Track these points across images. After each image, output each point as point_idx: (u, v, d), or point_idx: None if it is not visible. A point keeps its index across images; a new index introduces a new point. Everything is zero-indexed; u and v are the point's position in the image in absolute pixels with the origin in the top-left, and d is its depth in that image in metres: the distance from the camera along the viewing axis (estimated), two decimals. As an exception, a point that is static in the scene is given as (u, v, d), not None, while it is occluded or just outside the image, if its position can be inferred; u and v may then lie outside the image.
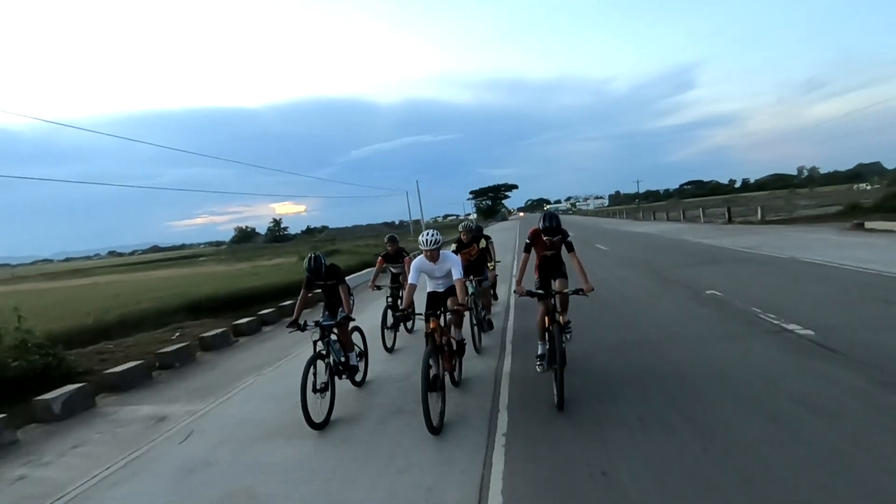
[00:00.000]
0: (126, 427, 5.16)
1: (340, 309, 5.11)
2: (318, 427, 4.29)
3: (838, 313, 6.03)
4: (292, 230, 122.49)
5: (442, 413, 4.09)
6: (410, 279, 4.59)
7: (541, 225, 4.54)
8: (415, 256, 4.95)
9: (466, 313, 4.92)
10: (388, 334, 6.85)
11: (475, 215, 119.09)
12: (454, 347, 4.73)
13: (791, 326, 5.65)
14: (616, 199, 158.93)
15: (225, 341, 9.04)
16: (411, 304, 4.52)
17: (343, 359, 5.06)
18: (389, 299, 7.33)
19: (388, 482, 3.29)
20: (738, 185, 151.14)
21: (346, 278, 5.36)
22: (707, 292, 8.06)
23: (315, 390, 4.40)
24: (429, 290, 4.85)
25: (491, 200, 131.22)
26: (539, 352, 4.81)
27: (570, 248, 4.64)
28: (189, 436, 4.64)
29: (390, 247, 7.31)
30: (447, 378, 4.58)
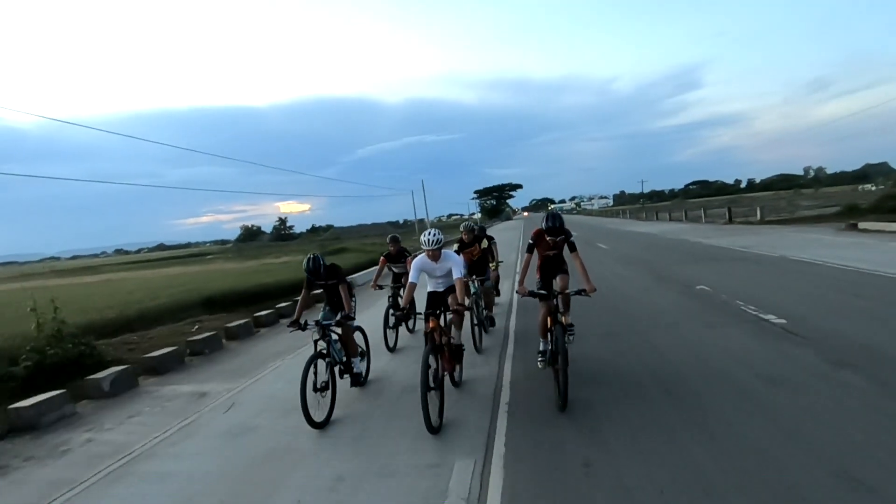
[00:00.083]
0: (172, 402, 5.82)
1: (342, 309, 5.12)
2: (319, 426, 4.28)
3: (811, 305, 6.63)
4: (297, 229, 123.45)
5: (441, 412, 4.09)
6: (411, 278, 4.58)
7: (544, 225, 4.56)
8: (417, 256, 4.96)
9: (467, 313, 4.90)
10: (391, 334, 6.84)
11: (479, 215, 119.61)
12: (454, 352, 4.68)
13: (767, 316, 6.25)
14: (621, 198, 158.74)
15: (248, 331, 9.71)
16: (411, 302, 4.54)
17: (344, 358, 5.06)
18: (391, 299, 7.28)
19: (387, 482, 3.30)
20: (743, 185, 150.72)
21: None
22: (697, 287, 8.65)
23: (315, 389, 4.40)
24: (429, 289, 4.87)
25: (495, 200, 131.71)
26: (540, 348, 4.89)
27: (573, 248, 4.63)
28: (230, 408, 5.29)
29: (392, 247, 7.32)
30: (447, 378, 4.58)
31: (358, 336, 5.48)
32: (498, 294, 9.09)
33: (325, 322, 4.83)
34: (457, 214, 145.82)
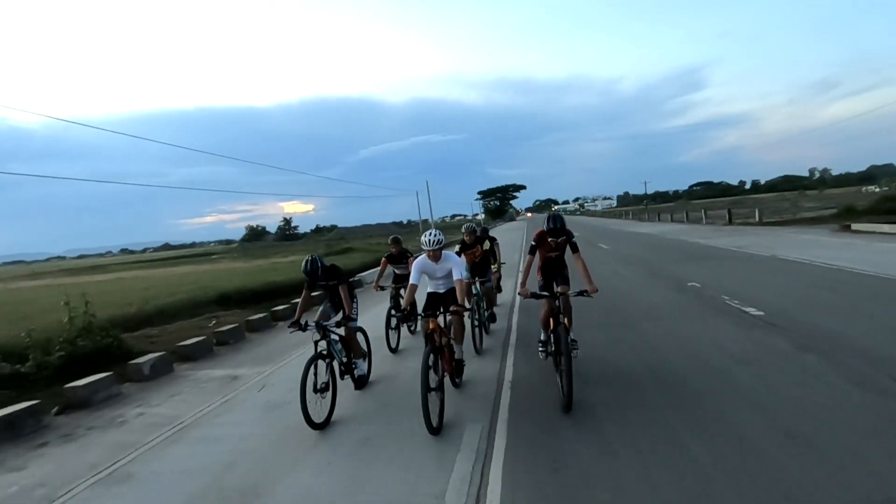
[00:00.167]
0: (208, 383, 6.46)
1: (343, 310, 5.11)
2: (318, 427, 4.28)
3: (789, 299, 7.22)
4: (301, 229, 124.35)
5: (441, 413, 4.09)
6: (412, 279, 4.57)
7: (545, 226, 4.59)
8: (418, 257, 4.96)
9: (467, 315, 4.88)
10: (392, 335, 6.84)
11: (483, 215, 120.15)
12: (454, 353, 4.67)
13: (748, 309, 6.84)
14: (625, 199, 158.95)
15: (267, 324, 10.37)
16: (412, 304, 4.54)
17: (345, 359, 5.07)
18: (393, 300, 7.28)
19: (386, 482, 3.33)
20: (748, 186, 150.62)
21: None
22: (689, 284, 9.24)
23: (316, 390, 4.41)
24: (429, 290, 4.87)
25: (499, 201, 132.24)
26: (541, 338, 4.97)
27: (575, 249, 4.65)
28: (263, 387, 5.93)
29: (394, 248, 7.31)
30: (447, 379, 4.57)
31: (360, 337, 5.44)
32: (499, 291, 9.09)
33: (324, 323, 4.83)
34: (460, 215, 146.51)
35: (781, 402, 3.85)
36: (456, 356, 4.69)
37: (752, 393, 4.07)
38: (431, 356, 4.06)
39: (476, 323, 6.34)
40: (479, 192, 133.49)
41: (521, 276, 4.77)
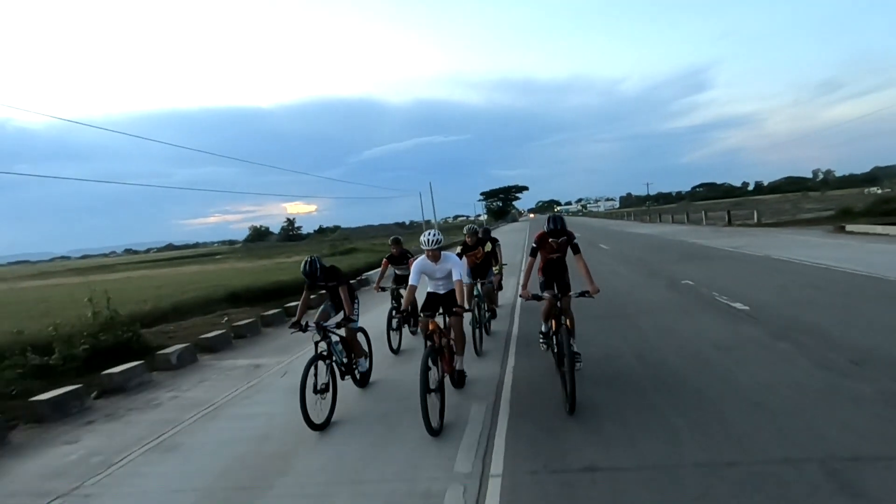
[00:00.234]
0: (232, 371, 6.98)
1: (343, 311, 5.12)
2: (318, 428, 4.27)
3: (774, 295, 7.71)
4: (305, 230, 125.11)
5: (442, 414, 4.10)
6: (411, 280, 4.58)
7: (546, 227, 4.63)
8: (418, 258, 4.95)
9: (468, 315, 4.88)
10: (394, 336, 6.84)
11: (485, 216, 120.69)
12: (454, 350, 4.65)
13: (735, 304, 7.33)
14: (627, 200, 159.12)
15: (281, 319, 10.89)
16: (413, 305, 4.55)
17: (346, 360, 5.05)
18: (394, 301, 7.28)
19: (385, 483, 3.34)
20: (751, 187, 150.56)
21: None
22: (682, 282, 9.73)
23: (316, 391, 4.40)
24: (429, 289, 4.85)
25: (501, 202, 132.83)
26: (542, 329, 5.05)
27: (576, 250, 4.65)
28: (286, 374, 6.45)
29: (395, 248, 7.31)
30: (447, 379, 4.56)
31: (361, 338, 5.45)
32: (500, 289, 8.91)
33: (325, 324, 4.83)
34: (463, 216, 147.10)
35: (752, 380, 4.36)
36: (457, 367, 4.67)
37: (727, 374, 4.58)
38: (431, 357, 4.06)
39: (476, 324, 6.34)
40: (482, 193, 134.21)
41: (522, 277, 4.79)
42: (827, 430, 3.35)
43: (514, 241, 28.72)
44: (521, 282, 4.75)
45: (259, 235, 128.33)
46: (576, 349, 4.41)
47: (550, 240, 4.64)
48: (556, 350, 4.61)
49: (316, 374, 4.41)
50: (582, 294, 4.40)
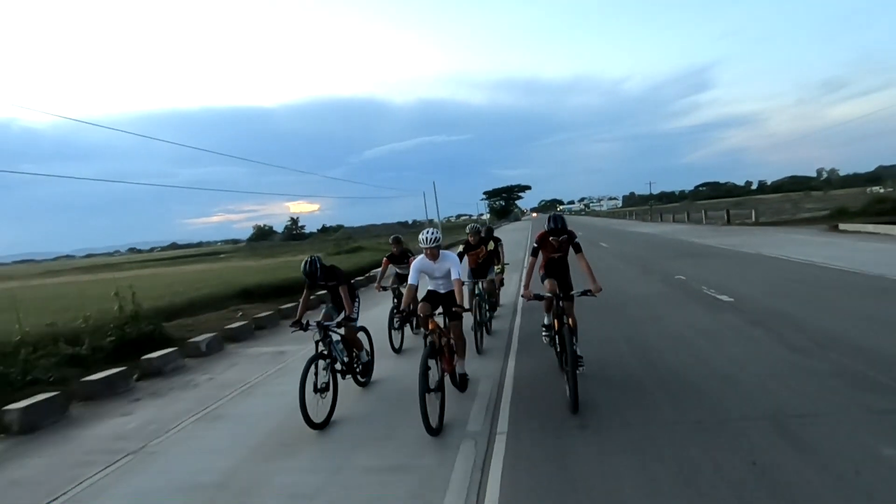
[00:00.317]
0: (259, 357, 7.63)
1: (344, 310, 5.14)
2: (318, 427, 4.27)
3: (759, 288, 8.32)
4: (308, 229, 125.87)
5: (441, 414, 4.10)
6: (410, 279, 4.60)
7: (546, 226, 4.65)
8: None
9: (468, 315, 4.85)
10: (395, 335, 6.87)
11: (488, 216, 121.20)
12: (454, 349, 4.64)
13: (721, 296, 7.95)
14: (630, 200, 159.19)
15: (296, 313, 11.55)
16: (410, 303, 4.58)
17: (346, 359, 5.05)
18: (395, 300, 7.30)
19: (386, 482, 3.35)
20: (754, 186, 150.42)
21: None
22: (675, 277, 10.33)
23: (316, 390, 4.42)
24: (429, 288, 4.87)
25: (504, 201, 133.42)
26: (545, 322, 5.10)
27: (578, 249, 4.65)
28: (309, 358, 7.07)
29: (395, 247, 7.36)
30: (447, 379, 4.54)
31: (362, 336, 5.48)
32: (502, 285, 8.63)
33: (325, 323, 4.83)
34: (465, 215, 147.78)
35: (725, 359, 4.99)
36: (458, 371, 4.70)
37: (703, 354, 5.22)
38: (430, 356, 4.08)
39: (477, 324, 6.36)
40: (485, 193, 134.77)
41: (524, 277, 4.74)
42: (781, 396, 3.97)
43: (516, 239, 29.33)
44: (524, 282, 4.69)
45: (263, 234, 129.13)
46: (579, 352, 4.40)
47: (551, 239, 4.66)
48: (558, 350, 4.69)
49: (316, 374, 4.43)
50: (584, 293, 4.42)
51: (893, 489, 2.68)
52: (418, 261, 4.65)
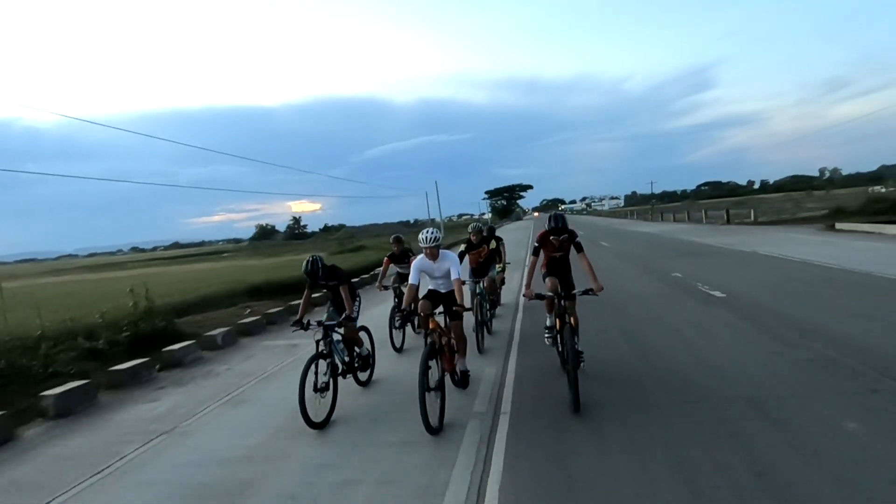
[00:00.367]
0: (273, 350, 8.02)
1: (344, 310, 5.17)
2: (317, 426, 4.28)
3: (750, 284, 8.68)
4: (310, 228, 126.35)
5: (441, 413, 4.11)
6: (411, 279, 4.63)
7: (546, 226, 4.67)
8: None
9: (469, 314, 4.83)
10: (397, 334, 6.90)
11: (490, 215, 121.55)
12: (455, 349, 4.65)
13: (714, 292, 8.31)
14: (632, 199, 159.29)
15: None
16: (412, 303, 4.61)
17: (347, 359, 5.05)
18: (396, 299, 7.35)
19: (386, 480, 3.36)
20: (756, 186, 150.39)
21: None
22: (672, 275, 10.70)
23: (315, 389, 4.42)
24: (430, 288, 4.88)
25: (506, 200, 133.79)
26: (547, 324, 5.05)
27: (579, 249, 4.64)
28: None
29: (396, 247, 7.39)
30: (447, 378, 4.54)
31: (364, 336, 5.50)
32: (503, 284, 8.55)
33: (326, 323, 4.83)
34: (467, 214, 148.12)
35: (712, 349, 5.37)
36: (460, 368, 4.73)
37: (693, 344, 5.60)
38: (431, 355, 4.09)
39: (478, 324, 6.40)
40: (486, 192, 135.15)
41: (525, 277, 4.79)
42: (761, 379, 4.35)
43: (517, 238, 29.70)
44: (525, 282, 4.69)
45: (265, 234, 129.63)
46: (580, 348, 4.46)
47: (552, 238, 4.67)
48: (560, 349, 4.75)
49: (316, 373, 4.45)
50: (586, 292, 4.44)
51: (852, 456, 3.05)
52: (418, 260, 4.69)
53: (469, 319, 5.59)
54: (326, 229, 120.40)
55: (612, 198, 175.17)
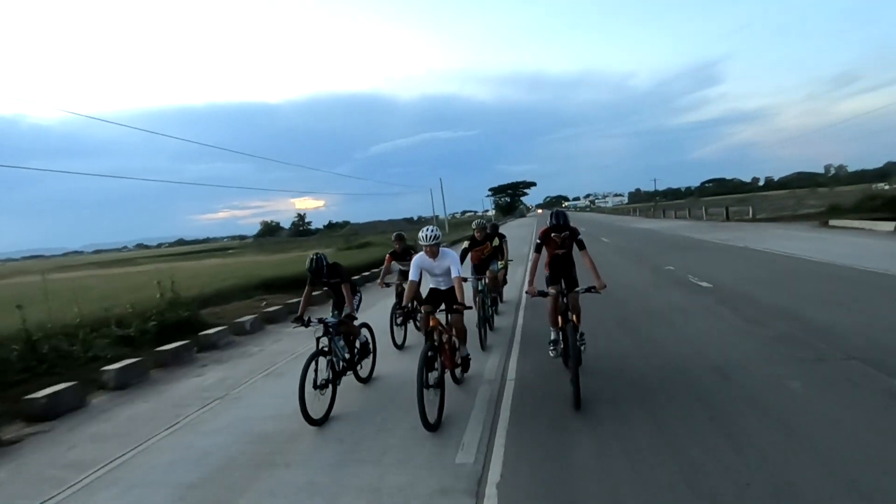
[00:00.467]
0: (299, 334, 8.70)
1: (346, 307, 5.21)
2: (317, 423, 4.31)
3: (736, 276, 9.42)
4: (314, 225, 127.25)
5: (441, 410, 4.12)
6: (411, 276, 4.66)
7: (548, 223, 4.65)
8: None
9: (469, 313, 4.80)
10: (398, 331, 6.94)
11: (493, 212, 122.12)
12: (455, 346, 4.70)
13: (702, 283, 9.06)
14: (636, 196, 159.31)
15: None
16: (412, 300, 4.63)
17: (347, 356, 5.06)
18: (398, 297, 7.43)
19: (386, 479, 3.37)
20: (761, 183, 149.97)
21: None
22: (665, 268, 11.42)
23: (315, 386, 4.44)
24: (430, 286, 4.89)
25: (510, 197, 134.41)
26: (552, 337, 4.98)
27: (582, 246, 4.64)
28: (343, 334, 8.22)
29: (398, 244, 7.43)
30: (448, 375, 4.56)
31: (365, 333, 5.55)
32: (505, 283, 8.67)
33: (327, 320, 4.87)
34: (471, 211, 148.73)
35: (691, 329, 6.15)
36: (461, 354, 4.82)
37: (675, 324, 6.40)
38: (430, 353, 4.12)
39: (480, 321, 6.41)
40: (490, 189, 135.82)
41: (528, 274, 4.75)
42: (726, 352, 5.14)
43: (521, 234, 30.44)
44: (527, 278, 4.69)
45: (270, 230, 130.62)
46: (581, 331, 4.56)
47: (553, 235, 4.65)
48: (562, 346, 4.80)
49: (316, 370, 4.48)
50: (588, 289, 4.46)
51: (789, 406, 3.80)
52: (418, 257, 4.73)
53: (472, 316, 5.64)
54: (331, 226, 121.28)
55: (616, 195, 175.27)
